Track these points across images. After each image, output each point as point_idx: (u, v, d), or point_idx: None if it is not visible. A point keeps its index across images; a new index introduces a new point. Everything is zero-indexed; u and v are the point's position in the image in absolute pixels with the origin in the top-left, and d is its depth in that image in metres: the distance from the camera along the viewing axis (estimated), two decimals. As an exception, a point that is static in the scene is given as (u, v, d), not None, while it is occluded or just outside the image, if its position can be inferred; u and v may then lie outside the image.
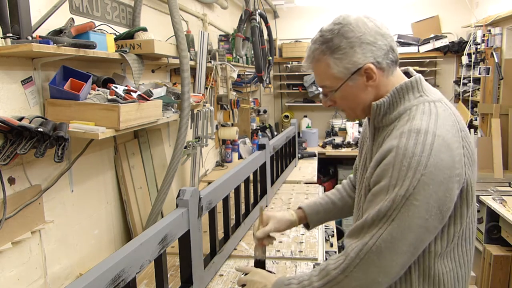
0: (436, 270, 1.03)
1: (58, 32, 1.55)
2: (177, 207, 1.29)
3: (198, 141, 2.78)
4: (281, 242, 1.90)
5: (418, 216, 0.92)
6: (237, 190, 1.87)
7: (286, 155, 3.10)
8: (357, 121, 5.34)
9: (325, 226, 2.50)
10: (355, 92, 1.06)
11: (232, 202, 1.82)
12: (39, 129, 1.33)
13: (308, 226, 1.46)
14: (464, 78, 4.84)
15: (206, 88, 3.09)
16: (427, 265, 1.03)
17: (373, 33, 1.02)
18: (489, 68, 4.19)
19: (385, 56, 1.03)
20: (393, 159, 0.95)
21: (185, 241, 1.30)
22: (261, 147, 2.30)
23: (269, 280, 1.18)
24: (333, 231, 2.81)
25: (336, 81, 1.06)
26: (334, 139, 5.20)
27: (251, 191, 2.15)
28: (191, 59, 2.67)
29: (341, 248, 3.07)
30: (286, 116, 5.62)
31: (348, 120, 5.34)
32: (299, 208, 1.44)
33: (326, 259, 1.92)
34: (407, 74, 1.12)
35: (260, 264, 1.36)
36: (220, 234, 1.74)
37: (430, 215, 0.92)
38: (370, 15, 1.07)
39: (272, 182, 2.59)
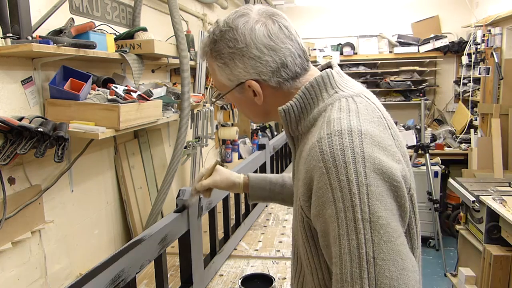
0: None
1: (58, 32, 1.55)
2: (177, 207, 1.29)
3: (198, 141, 2.78)
4: (281, 242, 1.90)
5: (392, 233, 0.71)
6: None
7: (286, 155, 3.10)
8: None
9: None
10: (244, 103, 0.93)
11: (232, 202, 1.82)
12: (39, 129, 1.33)
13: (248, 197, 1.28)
14: (464, 78, 4.84)
15: (206, 88, 3.09)
16: None
17: (260, 45, 0.84)
18: (489, 68, 4.19)
19: (273, 74, 0.85)
20: (326, 180, 0.72)
21: (185, 241, 1.30)
22: (261, 147, 2.30)
23: None
24: (333, 231, 2.81)
25: (222, 87, 0.92)
26: (334, 139, 5.19)
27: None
28: (191, 59, 2.67)
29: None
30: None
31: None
32: (247, 176, 1.26)
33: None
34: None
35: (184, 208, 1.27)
36: (220, 234, 1.74)
37: (398, 223, 0.73)
38: (277, 15, 0.87)
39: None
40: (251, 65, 0.85)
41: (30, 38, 1.35)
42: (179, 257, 1.33)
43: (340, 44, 5.40)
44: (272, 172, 2.56)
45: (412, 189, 0.80)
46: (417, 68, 5.19)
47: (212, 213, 1.56)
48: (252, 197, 1.25)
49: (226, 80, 0.90)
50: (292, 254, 0.98)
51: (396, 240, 0.71)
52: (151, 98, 1.82)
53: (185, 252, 1.31)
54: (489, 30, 4.23)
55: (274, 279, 1.31)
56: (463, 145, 4.61)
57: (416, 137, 4.71)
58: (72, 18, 1.68)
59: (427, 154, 4.00)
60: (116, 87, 1.71)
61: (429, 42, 5.09)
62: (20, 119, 1.41)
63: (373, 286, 0.69)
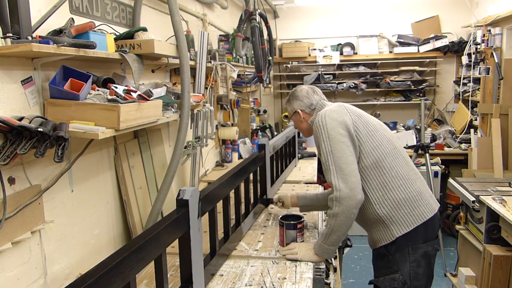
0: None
1: (58, 32, 1.55)
2: (177, 207, 1.29)
3: (198, 141, 2.78)
4: (281, 242, 1.90)
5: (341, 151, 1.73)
6: (237, 190, 1.87)
7: (286, 155, 3.10)
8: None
9: (325, 226, 2.50)
10: (297, 122, 2.03)
11: (232, 202, 1.82)
12: (39, 129, 1.33)
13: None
14: (464, 78, 4.84)
15: (206, 88, 3.09)
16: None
17: (303, 95, 1.98)
18: (489, 68, 4.19)
19: (306, 107, 1.97)
20: (317, 128, 1.79)
21: (185, 241, 1.29)
22: (261, 147, 2.30)
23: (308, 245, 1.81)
24: (333, 231, 2.80)
25: (290, 115, 2.06)
26: (334, 139, 5.19)
27: (251, 191, 2.15)
28: (191, 59, 2.67)
29: (340, 248, 3.08)
30: (286, 116, 5.61)
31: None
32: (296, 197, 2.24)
33: (326, 259, 1.92)
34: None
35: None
36: (220, 234, 1.74)
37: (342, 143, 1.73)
38: (314, 88, 2.04)
39: (272, 182, 2.59)
40: (298, 103, 1.99)
41: (30, 38, 1.35)
42: (179, 257, 1.32)
43: (340, 44, 5.41)
44: (271, 172, 2.56)
45: (361, 134, 1.79)
46: (417, 68, 5.20)
47: (212, 213, 1.56)
48: (301, 209, 2.22)
49: (290, 111, 2.04)
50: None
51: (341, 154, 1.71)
52: (151, 98, 1.82)
53: (185, 252, 1.31)
54: (489, 30, 4.24)
55: (303, 217, 1.91)
56: (463, 145, 4.61)
57: (416, 137, 4.71)
58: (72, 18, 1.68)
59: (427, 154, 4.00)
60: (116, 87, 1.71)
61: (429, 42, 5.09)
62: (20, 119, 1.41)
63: (332, 161, 1.70)
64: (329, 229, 1.69)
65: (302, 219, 1.87)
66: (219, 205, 1.66)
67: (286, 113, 5.63)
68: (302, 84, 5.44)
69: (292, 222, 1.83)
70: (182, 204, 1.28)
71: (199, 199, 1.36)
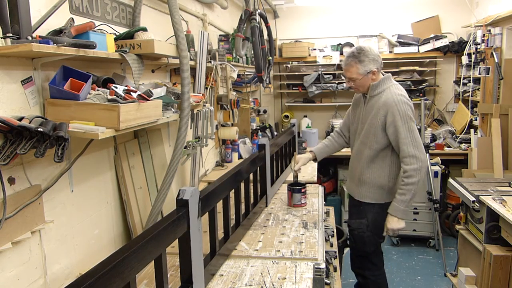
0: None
1: (58, 32, 1.55)
2: (177, 207, 1.29)
3: (198, 141, 2.78)
4: (281, 242, 1.90)
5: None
6: (237, 190, 1.87)
7: (286, 155, 3.10)
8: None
9: (325, 226, 2.50)
10: (367, 82, 2.41)
11: (232, 202, 1.82)
12: (39, 129, 1.33)
13: (315, 160, 2.81)
14: (464, 78, 4.84)
15: (206, 88, 3.09)
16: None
17: (377, 55, 2.40)
18: (489, 68, 4.19)
19: (379, 67, 2.40)
20: (395, 110, 2.32)
21: (185, 241, 1.29)
22: (261, 147, 2.30)
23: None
24: (333, 231, 2.81)
25: (359, 76, 2.40)
26: (334, 139, 5.19)
27: (251, 191, 2.15)
28: (191, 59, 2.67)
29: (340, 248, 3.08)
30: (286, 116, 5.61)
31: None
32: (311, 151, 2.79)
33: (326, 259, 1.92)
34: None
35: (295, 179, 2.58)
36: (220, 234, 1.74)
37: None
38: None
39: (272, 182, 2.59)
40: (375, 63, 2.39)
41: (30, 38, 1.35)
42: (179, 257, 1.32)
43: (340, 44, 5.40)
44: (271, 172, 2.56)
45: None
46: (417, 68, 5.19)
47: (212, 213, 1.56)
48: (318, 158, 2.80)
49: (363, 71, 2.39)
50: (354, 147, 2.62)
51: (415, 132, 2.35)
52: (151, 98, 1.82)
53: (185, 252, 1.31)
54: (489, 30, 4.23)
55: (306, 184, 2.52)
56: (463, 145, 4.61)
57: (416, 137, 4.70)
58: (72, 18, 1.68)
59: (427, 154, 4.00)
60: (116, 87, 1.71)
61: (429, 42, 5.09)
62: (20, 119, 1.41)
63: (412, 138, 2.32)
64: (412, 195, 2.33)
65: (305, 185, 2.49)
66: (219, 205, 1.66)
67: (286, 113, 5.63)
68: (304, 80, 5.50)
69: (297, 187, 2.44)
70: (182, 204, 1.28)
71: (199, 199, 1.36)
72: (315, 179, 3.24)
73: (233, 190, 1.80)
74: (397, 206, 2.35)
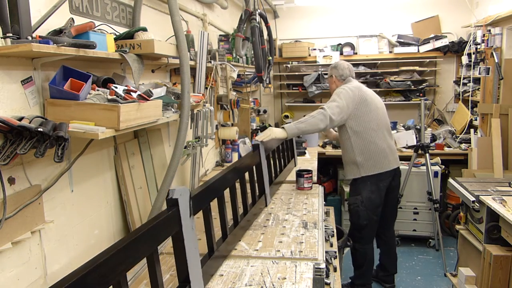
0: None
1: (58, 32, 1.55)
2: (167, 206, 1.30)
3: (198, 141, 2.78)
4: (281, 242, 1.90)
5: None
6: (232, 189, 1.87)
7: (284, 155, 3.10)
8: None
9: (325, 226, 2.50)
10: (331, 83, 3.21)
11: (229, 201, 1.82)
12: (39, 129, 1.33)
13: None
14: (464, 78, 4.84)
15: (206, 88, 3.09)
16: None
17: (344, 68, 3.14)
18: (489, 68, 4.19)
19: (340, 77, 3.13)
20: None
21: (178, 239, 1.30)
22: (255, 147, 2.31)
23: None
24: (333, 231, 2.81)
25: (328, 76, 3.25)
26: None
27: (248, 190, 2.15)
28: (191, 59, 2.67)
29: (340, 248, 3.08)
30: (286, 116, 5.61)
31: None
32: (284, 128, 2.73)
33: (326, 259, 1.92)
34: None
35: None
36: (219, 234, 1.74)
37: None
38: (350, 66, 3.16)
39: (271, 182, 2.59)
40: (338, 73, 3.15)
41: (30, 38, 1.35)
42: (174, 256, 1.33)
43: (340, 44, 5.40)
44: (269, 172, 2.56)
45: (361, 107, 2.97)
46: (417, 68, 5.19)
47: (206, 213, 1.56)
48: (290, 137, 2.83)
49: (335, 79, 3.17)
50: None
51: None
52: (151, 98, 1.82)
53: (180, 251, 1.31)
54: (489, 30, 4.23)
55: (311, 171, 2.83)
56: (463, 145, 4.61)
57: (416, 137, 4.71)
58: (72, 18, 1.68)
59: (427, 154, 4.00)
60: (116, 87, 1.71)
61: (429, 42, 5.08)
62: (20, 119, 1.41)
63: (335, 97, 2.94)
64: (305, 119, 2.71)
65: (311, 171, 2.83)
66: (217, 205, 1.66)
67: (286, 113, 5.64)
68: (304, 80, 5.51)
69: (302, 173, 2.77)
70: (172, 203, 1.29)
71: (190, 197, 1.36)
72: (315, 179, 3.24)
73: (228, 190, 1.81)
74: (291, 124, 2.69)
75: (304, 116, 2.77)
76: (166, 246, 1.88)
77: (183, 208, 1.31)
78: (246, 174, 2.11)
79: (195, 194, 1.44)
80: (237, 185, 1.96)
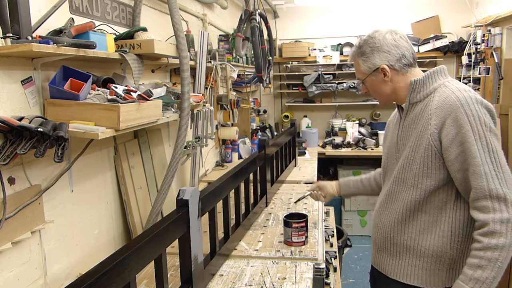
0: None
1: (58, 32, 1.55)
2: (177, 207, 1.29)
3: (198, 141, 2.78)
4: (281, 242, 1.90)
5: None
6: (237, 190, 1.87)
7: (286, 155, 3.10)
8: (357, 121, 5.34)
9: (325, 226, 2.50)
10: (376, 84, 1.52)
11: (232, 202, 1.82)
12: (39, 129, 1.33)
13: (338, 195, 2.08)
14: (464, 78, 4.84)
15: (206, 88, 3.09)
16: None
17: (389, 44, 1.45)
18: (489, 68, 4.19)
19: (397, 61, 1.46)
20: (462, 116, 1.33)
21: (185, 241, 1.30)
22: (261, 147, 2.30)
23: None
24: (333, 231, 2.81)
25: (363, 75, 1.53)
26: (334, 139, 5.20)
27: (251, 191, 2.15)
28: (191, 59, 2.67)
29: (340, 248, 3.07)
30: (286, 116, 5.62)
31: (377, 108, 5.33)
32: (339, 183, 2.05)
33: (326, 259, 1.91)
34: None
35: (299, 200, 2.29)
36: (220, 234, 1.74)
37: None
38: (396, 30, 1.49)
39: (272, 182, 2.59)
40: (384, 56, 1.46)
41: (30, 38, 1.35)
42: (179, 257, 1.32)
43: (340, 44, 5.41)
44: (271, 172, 2.56)
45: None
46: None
47: (212, 213, 1.56)
48: (344, 196, 2.08)
49: (367, 68, 1.49)
50: (384, 188, 1.65)
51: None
52: (151, 98, 1.82)
53: (185, 252, 1.31)
54: (489, 30, 4.23)
55: (307, 216, 1.93)
56: (463, 145, 4.60)
57: (416, 137, 4.70)
58: (72, 18, 1.68)
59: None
60: (116, 87, 1.71)
61: (429, 42, 5.09)
62: (20, 119, 1.41)
63: (497, 168, 1.32)
64: (497, 270, 1.22)
65: (306, 217, 1.90)
66: (219, 205, 1.66)
67: (286, 113, 5.63)
68: (304, 80, 5.49)
69: (291, 220, 1.87)
70: (182, 204, 1.28)
71: (199, 199, 1.36)
72: (315, 179, 3.24)
73: (233, 190, 1.80)
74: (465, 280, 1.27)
75: None
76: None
77: (193, 209, 1.30)
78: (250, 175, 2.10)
79: (204, 195, 1.43)
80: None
